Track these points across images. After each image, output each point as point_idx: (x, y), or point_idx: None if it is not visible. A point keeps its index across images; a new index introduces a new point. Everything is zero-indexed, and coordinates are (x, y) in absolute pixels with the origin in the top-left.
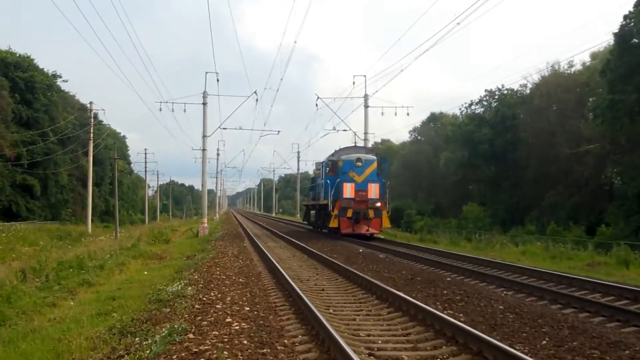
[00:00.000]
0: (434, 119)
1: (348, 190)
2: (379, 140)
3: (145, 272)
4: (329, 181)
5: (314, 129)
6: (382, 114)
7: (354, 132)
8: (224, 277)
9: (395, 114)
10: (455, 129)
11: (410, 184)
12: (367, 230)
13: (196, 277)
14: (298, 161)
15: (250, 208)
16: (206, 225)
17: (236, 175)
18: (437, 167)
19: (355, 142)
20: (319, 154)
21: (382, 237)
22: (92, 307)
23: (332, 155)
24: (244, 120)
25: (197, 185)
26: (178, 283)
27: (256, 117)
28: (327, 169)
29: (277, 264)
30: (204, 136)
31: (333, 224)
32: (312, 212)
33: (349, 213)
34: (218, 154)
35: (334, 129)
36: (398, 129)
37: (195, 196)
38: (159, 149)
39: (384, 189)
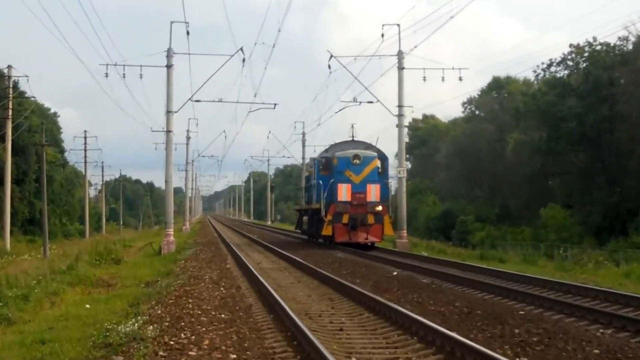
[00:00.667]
0: (498, 86)
1: (344, 192)
2: (420, 117)
3: (87, 305)
4: (321, 182)
5: (325, 102)
6: (424, 78)
7: (383, 104)
8: (200, 312)
9: (442, 79)
10: (528, 100)
11: (465, 178)
12: (366, 238)
13: (159, 312)
14: (303, 147)
15: (235, 214)
16: (172, 238)
17: (215, 168)
18: (503, 154)
19: (352, 136)
20: (332, 136)
21: (425, 254)
22: (13, 355)
23: (326, 151)
24: (225, 89)
25: (159, 182)
26: (134, 320)
27: (243, 84)
28: (320, 167)
29: (274, 293)
30: (169, 112)
31: (326, 231)
32: (305, 217)
33: (345, 219)
34: (189, 138)
35: (355, 100)
36: (446, 101)
37: (156, 198)
38: (104, 132)
39: (386, 190)
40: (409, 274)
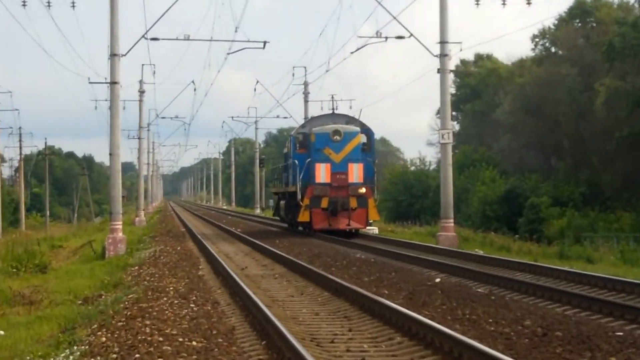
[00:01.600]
0: (583, 13)
1: (322, 173)
2: (471, 58)
3: (1, 332)
4: (297, 161)
5: (336, 38)
6: (477, 2)
7: (418, 40)
8: (161, 339)
9: (503, 3)
10: (626, 31)
11: (538, 144)
12: (348, 225)
13: (104, 339)
14: (306, 103)
15: (210, 199)
16: (121, 235)
17: (180, 135)
18: (592, 109)
19: (333, 108)
20: (345, 88)
21: (481, 253)
22: None
23: (303, 126)
24: (194, 23)
25: (101, 156)
26: (67, 352)
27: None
28: (296, 144)
29: (266, 310)
30: (114, 55)
31: (303, 217)
32: (282, 202)
33: (324, 203)
34: (143, 92)
35: (379, 35)
36: (509, 34)
37: (97, 178)
38: (21, 85)
39: (370, 170)
40: (458, 281)
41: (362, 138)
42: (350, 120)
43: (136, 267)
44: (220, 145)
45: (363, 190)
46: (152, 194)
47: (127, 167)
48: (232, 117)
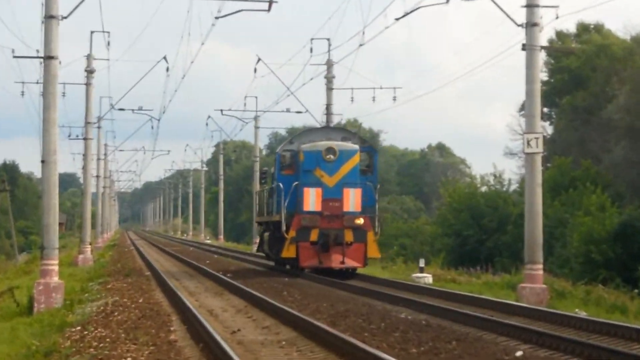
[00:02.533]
0: None
1: (311, 199)
2: (571, 29)
3: None
4: (282, 184)
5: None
6: None
7: (494, 2)
8: None
9: None
10: None
11: None
12: (342, 262)
13: None
14: (329, 92)
15: (187, 229)
16: (56, 280)
17: (144, 135)
18: None
19: (327, 121)
20: (388, 68)
21: (584, 314)
22: None
23: (290, 142)
24: None
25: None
26: None
27: None
28: (281, 164)
29: None
30: (50, 17)
31: (287, 252)
32: (266, 234)
33: (313, 235)
34: (91, 72)
35: None
36: None
37: (22, 196)
38: None
39: (371, 197)
40: (549, 356)
41: (362, 158)
42: (347, 135)
43: (78, 328)
44: (203, 152)
45: (361, 221)
46: (104, 220)
47: (68, 181)
48: (222, 111)
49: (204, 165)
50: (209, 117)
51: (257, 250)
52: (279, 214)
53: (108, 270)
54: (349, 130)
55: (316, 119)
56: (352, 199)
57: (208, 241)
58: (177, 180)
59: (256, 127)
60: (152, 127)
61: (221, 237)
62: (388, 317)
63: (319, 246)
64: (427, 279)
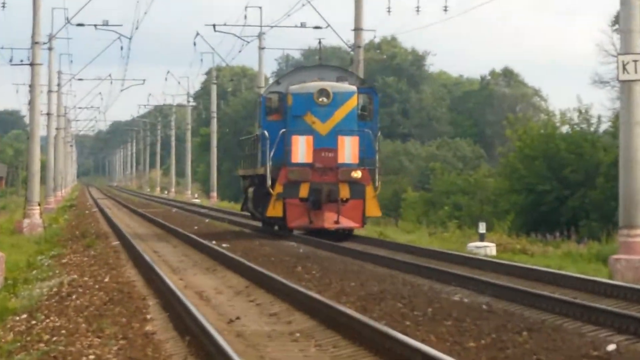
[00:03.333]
0: None
1: (301, 149)
2: None
3: None
4: (267, 132)
5: None
6: None
7: None
8: None
9: None
10: None
11: None
12: (337, 222)
13: None
14: (358, 1)
15: (169, 186)
16: None
17: (111, 58)
18: None
19: (320, 57)
20: None
21: None
22: None
23: (277, 82)
24: None
25: None
26: None
27: None
28: (267, 109)
29: None
30: None
31: (273, 210)
32: (250, 189)
33: (303, 191)
34: None
35: None
36: None
37: None
38: None
39: (370, 146)
40: None
41: (360, 100)
42: (343, 75)
43: (24, 316)
44: (190, 81)
45: (358, 174)
46: (58, 173)
47: (10, 121)
48: (214, 27)
49: (191, 100)
50: (198, 34)
51: (242, 209)
52: (264, 166)
53: (63, 239)
54: (345, 69)
55: (341, 37)
56: (349, 148)
57: (197, 200)
58: (156, 119)
59: (260, 48)
60: (122, 49)
61: (214, 194)
62: (437, 301)
63: (309, 203)
64: (488, 249)
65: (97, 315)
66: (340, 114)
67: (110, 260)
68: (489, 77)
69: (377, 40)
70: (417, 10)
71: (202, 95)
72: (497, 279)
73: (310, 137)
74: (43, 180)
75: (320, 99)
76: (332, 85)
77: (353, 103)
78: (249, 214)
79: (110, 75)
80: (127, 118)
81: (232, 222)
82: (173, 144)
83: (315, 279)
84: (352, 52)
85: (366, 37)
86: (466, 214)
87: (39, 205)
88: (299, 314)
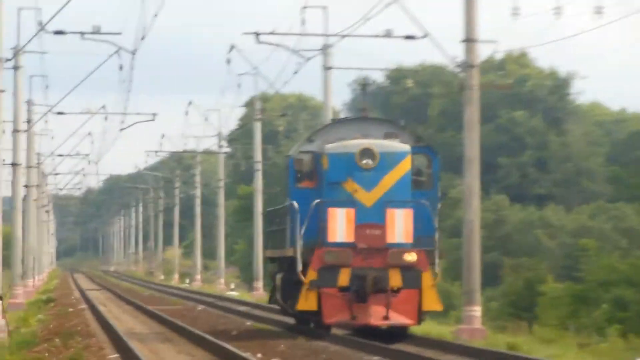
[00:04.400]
0: None
1: (340, 225)
2: None
3: None
4: (296, 204)
5: None
6: None
7: None
8: None
9: None
10: None
11: None
12: (386, 318)
13: None
14: None
15: (196, 270)
16: None
17: (107, 83)
18: None
19: (363, 107)
20: None
21: None
22: None
23: (309, 140)
24: None
25: None
26: None
27: None
28: (297, 173)
29: None
30: None
31: (305, 303)
32: (278, 275)
33: (343, 278)
34: None
35: None
36: None
37: None
38: None
39: (428, 220)
40: None
41: (415, 163)
42: (393, 130)
43: None
44: (223, 116)
45: (413, 257)
46: (29, 251)
47: None
48: (257, 35)
49: (225, 144)
50: (233, 47)
51: (270, 301)
52: (293, 247)
53: (37, 349)
54: (396, 123)
55: (444, 50)
56: (400, 225)
57: (233, 293)
58: (172, 172)
59: (326, 68)
60: (121, 68)
61: (259, 285)
62: None
63: (351, 294)
64: None
65: None
66: (389, 181)
67: None
68: None
69: (498, 56)
70: (557, 13)
71: (240, 137)
72: None
73: (352, 210)
74: (7, 262)
75: (364, 162)
76: (379, 144)
77: (406, 166)
78: (277, 307)
79: (104, 108)
80: (130, 171)
81: (283, 325)
82: (198, 209)
83: None
84: (461, 74)
85: (483, 52)
86: (634, 315)
87: (1, 299)
88: None
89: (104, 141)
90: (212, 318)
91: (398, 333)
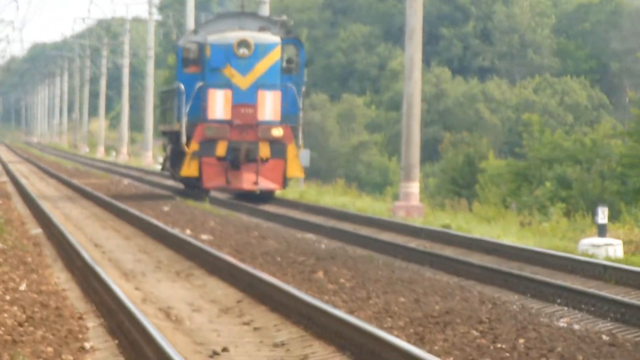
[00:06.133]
0: None
1: (219, 104)
2: None
3: None
4: (183, 85)
5: None
6: None
7: None
8: None
9: None
10: None
11: None
12: (256, 183)
13: None
14: None
15: (120, 149)
16: None
17: None
18: None
19: (242, 5)
20: None
21: None
22: None
23: (195, 31)
24: None
25: None
26: None
27: None
28: (183, 60)
29: None
30: None
31: (188, 170)
32: (168, 147)
33: (220, 149)
34: None
35: None
36: None
37: None
38: None
39: (293, 102)
40: None
41: (284, 52)
42: (266, 24)
43: None
44: None
45: (279, 131)
46: None
47: None
48: None
49: (156, 11)
50: None
51: (162, 169)
52: (180, 122)
53: None
54: (269, 17)
55: None
56: (270, 105)
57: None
58: (100, 40)
59: None
60: None
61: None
62: (532, 327)
63: (227, 163)
64: (612, 248)
65: (9, 342)
66: (262, 67)
67: (28, 259)
68: None
69: None
70: None
71: (172, 3)
72: (624, 294)
73: (229, 92)
74: None
75: (240, 50)
76: (253, 35)
77: (276, 55)
78: (168, 173)
79: None
80: (55, 39)
81: (219, 202)
82: (126, 79)
83: (344, 291)
84: None
85: None
86: (578, 194)
87: None
88: (320, 345)
89: (29, 7)
90: (139, 192)
91: (267, 196)
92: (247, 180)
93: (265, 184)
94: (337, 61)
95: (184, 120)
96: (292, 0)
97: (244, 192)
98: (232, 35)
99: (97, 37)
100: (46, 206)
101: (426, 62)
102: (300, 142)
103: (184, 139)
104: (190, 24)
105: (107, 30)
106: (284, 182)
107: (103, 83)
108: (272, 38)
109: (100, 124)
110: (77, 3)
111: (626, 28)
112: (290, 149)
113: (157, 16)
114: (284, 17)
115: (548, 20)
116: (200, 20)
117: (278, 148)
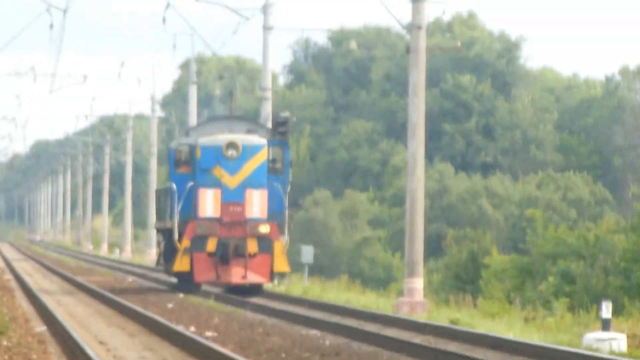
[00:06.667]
0: None
1: (209, 203)
2: None
3: None
4: (175, 185)
5: None
6: None
7: None
8: None
9: None
10: None
11: None
12: (244, 277)
13: None
14: None
15: (124, 246)
16: None
17: (37, 41)
18: None
19: (230, 108)
20: None
21: None
22: None
23: (187, 134)
24: None
25: None
26: None
27: None
28: (176, 161)
29: None
30: None
31: (180, 265)
32: (162, 243)
33: (210, 245)
34: None
35: None
36: None
37: None
38: None
39: (279, 200)
40: None
41: (271, 153)
42: (253, 127)
43: None
44: (157, 79)
45: (267, 228)
46: None
47: None
48: None
49: (159, 108)
50: (169, 5)
51: (156, 264)
52: (172, 220)
53: None
54: (256, 121)
55: (390, 10)
56: (257, 203)
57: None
58: (103, 137)
59: (266, 28)
60: (52, 27)
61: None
62: None
63: (217, 258)
64: (617, 342)
65: None
66: (249, 168)
67: (33, 356)
68: (618, 78)
69: (447, 18)
70: None
71: (174, 100)
72: None
73: (219, 191)
74: None
75: (229, 152)
76: (241, 138)
77: (263, 156)
78: (163, 269)
79: (33, 69)
80: (58, 136)
81: (224, 298)
82: (129, 176)
83: None
84: (408, 36)
85: (431, 13)
86: (582, 289)
87: None
88: None
89: (31, 104)
90: (143, 289)
91: (255, 289)
92: (236, 275)
93: (253, 277)
94: (339, 157)
95: (176, 218)
96: (294, 96)
97: (233, 286)
98: (221, 138)
99: (99, 134)
100: (50, 303)
101: (429, 157)
102: (286, 238)
103: (176, 235)
104: (193, 120)
105: (110, 127)
106: (271, 276)
107: (106, 180)
108: (259, 140)
109: (104, 221)
110: (80, 100)
111: (629, 123)
112: (277, 245)
113: (159, 113)
114: (287, 114)
115: (550, 115)
116: (204, 117)
117: (265, 244)
